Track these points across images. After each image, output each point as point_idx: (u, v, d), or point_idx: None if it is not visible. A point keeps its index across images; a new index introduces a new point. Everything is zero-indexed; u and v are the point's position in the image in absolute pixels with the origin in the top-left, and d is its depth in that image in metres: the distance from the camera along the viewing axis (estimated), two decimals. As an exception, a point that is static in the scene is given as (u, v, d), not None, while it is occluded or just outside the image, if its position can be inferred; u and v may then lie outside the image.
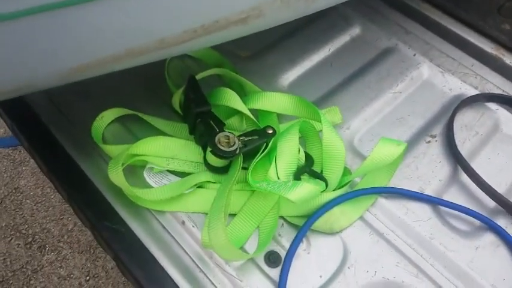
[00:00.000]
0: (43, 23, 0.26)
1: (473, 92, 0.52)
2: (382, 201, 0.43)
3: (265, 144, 0.42)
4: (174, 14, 0.30)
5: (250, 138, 0.41)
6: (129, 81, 0.48)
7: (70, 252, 0.93)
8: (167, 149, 0.43)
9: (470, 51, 0.56)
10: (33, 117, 0.47)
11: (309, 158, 0.44)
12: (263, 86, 0.49)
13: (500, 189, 0.44)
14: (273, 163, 0.40)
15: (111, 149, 0.43)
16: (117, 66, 0.32)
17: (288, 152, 0.41)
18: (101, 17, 0.28)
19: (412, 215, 0.42)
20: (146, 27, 0.30)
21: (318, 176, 0.42)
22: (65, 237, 0.95)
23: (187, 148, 0.43)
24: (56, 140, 0.45)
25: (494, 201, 0.43)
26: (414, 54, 0.56)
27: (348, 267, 0.38)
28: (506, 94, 0.52)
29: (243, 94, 0.48)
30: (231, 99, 0.45)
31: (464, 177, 0.45)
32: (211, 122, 0.42)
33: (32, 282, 0.89)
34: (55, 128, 0.46)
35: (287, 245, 0.39)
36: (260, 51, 0.55)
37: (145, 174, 0.42)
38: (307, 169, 0.42)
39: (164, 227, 0.39)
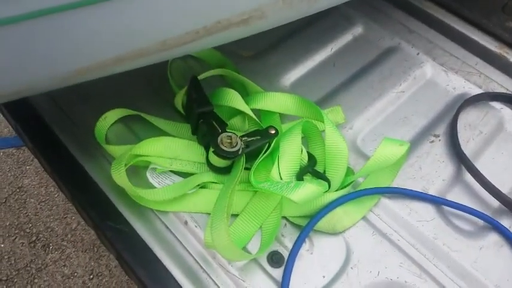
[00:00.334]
0: (43, 26, 0.26)
1: (477, 91, 0.52)
2: (385, 201, 0.43)
3: (267, 144, 0.42)
4: (175, 16, 0.30)
5: (252, 138, 0.41)
6: (132, 82, 0.48)
7: (74, 251, 0.94)
8: (170, 150, 0.43)
9: (474, 49, 0.56)
10: (37, 118, 0.47)
11: (311, 158, 0.43)
12: (265, 86, 0.49)
13: (504, 188, 0.43)
14: (276, 163, 0.40)
15: (114, 150, 0.43)
16: (119, 68, 0.32)
17: (290, 152, 0.41)
18: (103, 20, 0.28)
19: (416, 215, 0.42)
20: (148, 29, 0.30)
21: (321, 176, 0.42)
22: (69, 236, 0.96)
23: (189, 148, 0.43)
24: (59, 141, 0.45)
25: (498, 201, 0.43)
26: (417, 53, 0.55)
27: (351, 268, 0.38)
28: (510, 93, 0.52)
29: (246, 94, 0.48)
30: (233, 99, 0.45)
31: (468, 177, 0.44)
32: (213, 122, 0.42)
33: (36, 281, 0.90)
34: (59, 128, 0.46)
35: (290, 245, 0.39)
36: (262, 51, 0.55)
37: (148, 175, 0.42)
38: (310, 169, 0.42)
39: (167, 227, 0.39)
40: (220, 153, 0.39)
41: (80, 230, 0.96)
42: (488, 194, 0.43)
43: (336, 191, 0.42)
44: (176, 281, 0.36)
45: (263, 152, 0.41)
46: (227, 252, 0.36)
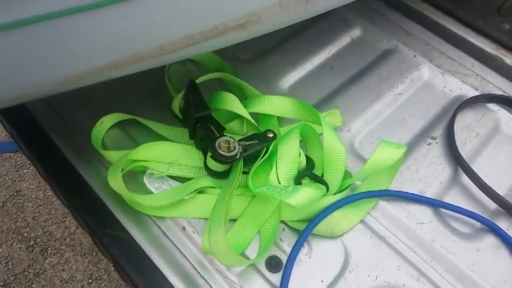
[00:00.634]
0: (41, 32, 0.26)
1: (473, 92, 0.52)
2: (383, 204, 0.43)
3: (265, 148, 0.42)
4: (173, 21, 0.30)
5: (250, 142, 0.41)
6: (129, 86, 0.47)
7: (72, 255, 0.93)
8: (167, 154, 0.43)
9: (471, 51, 0.56)
10: (33, 123, 0.47)
11: (309, 161, 0.43)
12: (263, 89, 0.49)
13: (501, 190, 0.44)
14: (274, 167, 0.40)
15: (111, 155, 0.43)
16: (115, 74, 0.32)
17: (288, 156, 0.41)
18: (100, 26, 0.28)
19: (413, 218, 0.42)
20: (145, 34, 0.30)
21: (319, 179, 0.42)
22: (67, 240, 0.96)
23: (187, 153, 0.43)
24: (55, 146, 0.45)
25: (495, 202, 0.43)
26: (414, 56, 0.55)
27: (350, 272, 0.38)
28: (506, 95, 0.52)
29: (244, 97, 0.48)
30: (231, 103, 0.44)
31: (465, 179, 0.45)
32: (211, 126, 0.41)
33: (34, 286, 0.89)
34: (54, 134, 0.46)
35: (288, 250, 0.39)
36: (260, 54, 0.55)
37: (145, 180, 0.42)
38: (308, 173, 0.42)
39: (164, 233, 0.39)
40: (218, 157, 0.39)
41: (79, 233, 0.96)
42: (486, 196, 0.43)
43: (334, 194, 0.42)
44: None
45: (261, 155, 0.41)
46: (225, 258, 0.36)
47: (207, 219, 0.40)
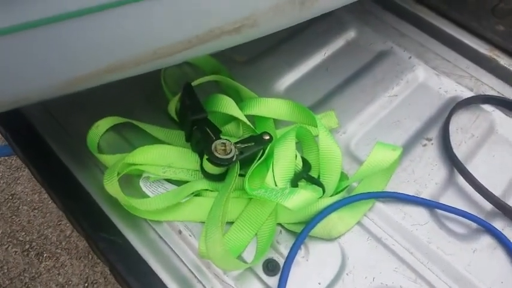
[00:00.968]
0: (38, 37, 0.26)
1: (468, 94, 0.53)
2: (380, 205, 0.43)
3: (262, 150, 0.42)
4: (168, 26, 0.30)
5: (246, 145, 0.41)
6: (125, 89, 0.47)
7: (68, 259, 0.93)
8: (163, 158, 0.42)
9: (465, 52, 0.56)
10: (28, 127, 0.47)
11: (306, 163, 0.44)
12: (259, 91, 0.49)
13: (497, 191, 0.44)
14: (270, 169, 0.40)
15: (107, 159, 0.43)
16: (111, 77, 0.32)
17: (284, 158, 0.41)
18: (97, 30, 0.28)
19: (410, 219, 0.42)
20: (140, 39, 0.30)
21: (315, 181, 0.42)
22: (63, 243, 0.95)
23: (183, 156, 0.43)
24: (51, 150, 0.45)
25: (491, 203, 0.43)
26: (409, 57, 0.56)
27: (347, 274, 0.38)
28: (501, 96, 0.53)
29: (240, 100, 0.48)
30: (227, 105, 0.44)
31: (461, 180, 0.45)
32: (207, 129, 0.41)
33: (30, 289, 0.89)
34: (50, 137, 0.46)
35: (285, 252, 0.39)
36: (256, 56, 0.55)
37: (141, 184, 0.42)
38: (305, 175, 0.42)
39: (161, 237, 0.39)
40: (214, 160, 0.39)
41: (74, 237, 0.95)
42: (481, 197, 0.43)
43: (331, 196, 0.42)
44: (171, 291, 0.36)
45: (257, 158, 0.41)
46: (222, 261, 0.35)
47: (204, 222, 0.40)
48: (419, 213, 0.43)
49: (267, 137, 0.42)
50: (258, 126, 0.47)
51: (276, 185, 0.40)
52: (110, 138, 0.46)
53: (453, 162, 0.46)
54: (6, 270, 0.91)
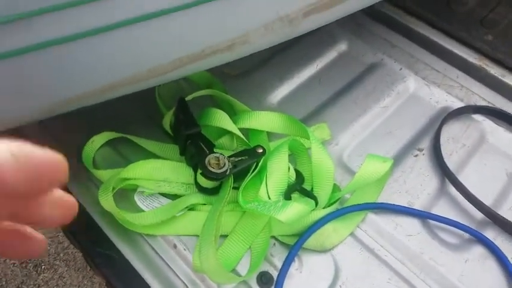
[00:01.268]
0: (32, 62, 0.27)
1: (458, 103, 0.53)
2: (372, 216, 0.43)
3: (255, 163, 0.42)
4: (161, 46, 0.31)
5: (240, 158, 0.42)
6: (121, 103, 0.48)
7: (66, 270, 0.93)
8: (158, 172, 0.43)
9: (455, 62, 0.57)
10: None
11: (299, 175, 0.44)
12: (253, 104, 0.50)
13: (488, 200, 0.44)
14: (264, 182, 0.41)
15: (102, 174, 0.43)
16: (103, 97, 0.33)
17: (278, 171, 0.42)
18: (90, 54, 0.28)
19: (402, 230, 0.43)
20: (134, 60, 0.31)
21: (308, 194, 0.42)
22: (61, 254, 0.95)
23: (178, 170, 0.44)
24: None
25: (482, 213, 0.44)
26: (400, 68, 0.57)
27: (340, 286, 0.39)
28: (491, 106, 0.53)
29: (233, 113, 0.49)
30: (220, 119, 0.45)
31: (453, 190, 0.45)
32: (201, 143, 0.42)
33: (28, 302, 0.88)
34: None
35: (279, 265, 0.39)
36: (248, 70, 0.55)
37: (136, 198, 0.42)
38: (298, 187, 0.43)
39: (156, 252, 0.40)
40: (208, 174, 0.39)
41: (72, 248, 0.95)
42: (473, 206, 0.44)
43: (324, 208, 0.42)
44: (166, 306, 0.36)
45: (251, 171, 0.42)
46: (216, 275, 0.36)
47: (198, 236, 0.40)
48: (412, 224, 0.43)
49: (260, 150, 0.42)
50: (251, 139, 0.48)
51: (269, 198, 0.40)
52: (105, 153, 0.46)
53: (444, 172, 0.47)
54: (4, 283, 0.91)
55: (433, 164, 0.48)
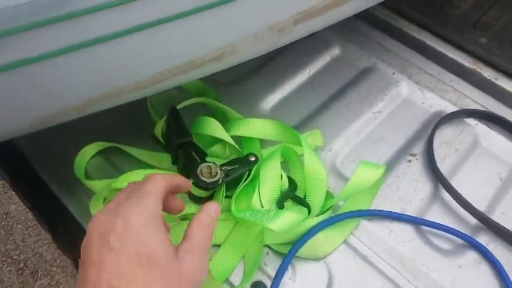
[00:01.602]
0: (17, 78, 0.27)
1: (452, 108, 0.53)
2: (365, 223, 0.43)
3: (248, 172, 0.42)
4: (148, 58, 0.31)
5: (232, 167, 0.41)
6: (111, 113, 0.48)
7: (63, 277, 0.92)
8: (150, 181, 0.43)
9: (448, 66, 0.57)
10: (15, 152, 0.47)
11: (292, 183, 0.44)
12: (245, 111, 0.50)
13: (481, 205, 0.44)
14: (256, 191, 0.41)
15: (94, 185, 0.43)
16: (92, 109, 0.32)
17: (270, 179, 0.42)
18: (77, 67, 0.28)
19: (395, 236, 0.43)
20: (121, 72, 0.31)
21: (301, 201, 0.42)
22: (58, 261, 0.95)
23: (170, 179, 0.44)
24: (38, 176, 0.45)
25: (475, 218, 0.44)
26: (393, 73, 0.56)
27: (333, 294, 0.39)
28: (484, 110, 0.53)
29: (226, 121, 0.49)
30: (213, 127, 0.45)
31: (446, 195, 0.45)
32: (192, 152, 0.42)
33: (24, 309, 0.88)
34: (38, 163, 0.46)
35: (273, 274, 0.39)
36: (240, 77, 0.55)
37: (128, 208, 0.42)
38: (291, 194, 0.43)
39: (148, 263, 0.39)
40: (200, 184, 0.39)
41: (69, 254, 0.95)
42: (466, 212, 0.44)
43: (317, 216, 0.42)
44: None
45: (243, 180, 0.42)
46: (209, 286, 0.36)
47: (191, 246, 0.40)
48: (405, 230, 0.43)
49: (253, 159, 0.42)
50: (244, 147, 0.48)
51: (262, 206, 0.40)
52: (97, 164, 0.46)
53: (437, 178, 0.46)
54: (0, 290, 0.90)
55: (426, 169, 0.48)
